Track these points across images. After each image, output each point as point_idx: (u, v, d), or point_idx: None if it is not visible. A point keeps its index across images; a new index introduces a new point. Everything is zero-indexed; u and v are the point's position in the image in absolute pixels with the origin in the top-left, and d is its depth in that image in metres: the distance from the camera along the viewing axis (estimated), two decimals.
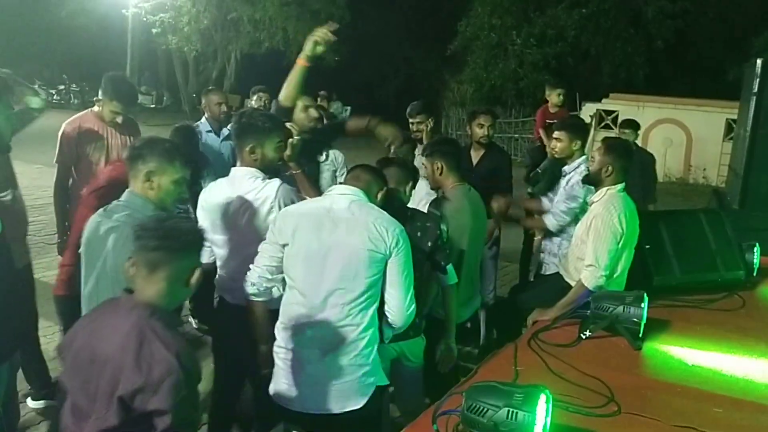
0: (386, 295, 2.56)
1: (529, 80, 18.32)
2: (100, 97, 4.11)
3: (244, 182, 2.88)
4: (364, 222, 2.49)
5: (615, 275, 3.47)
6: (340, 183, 2.76)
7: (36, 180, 7.81)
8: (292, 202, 2.82)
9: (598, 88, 16.81)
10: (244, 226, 2.88)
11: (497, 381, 1.99)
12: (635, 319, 2.82)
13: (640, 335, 2.84)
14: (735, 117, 10.15)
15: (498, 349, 2.88)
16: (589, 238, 3.45)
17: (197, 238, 2.05)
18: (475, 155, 4.81)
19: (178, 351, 1.87)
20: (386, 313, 2.59)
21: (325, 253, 2.46)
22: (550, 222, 4.13)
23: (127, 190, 2.54)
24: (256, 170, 2.94)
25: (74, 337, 2.02)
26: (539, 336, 2.88)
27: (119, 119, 4.02)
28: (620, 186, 3.55)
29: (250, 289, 2.62)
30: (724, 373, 2.68)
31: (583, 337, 2.87)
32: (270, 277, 2.60)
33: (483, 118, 4.80)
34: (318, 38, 3.43)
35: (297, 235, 2.50)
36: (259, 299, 2.64)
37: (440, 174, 3.46)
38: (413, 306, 2.61)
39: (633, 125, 6.03)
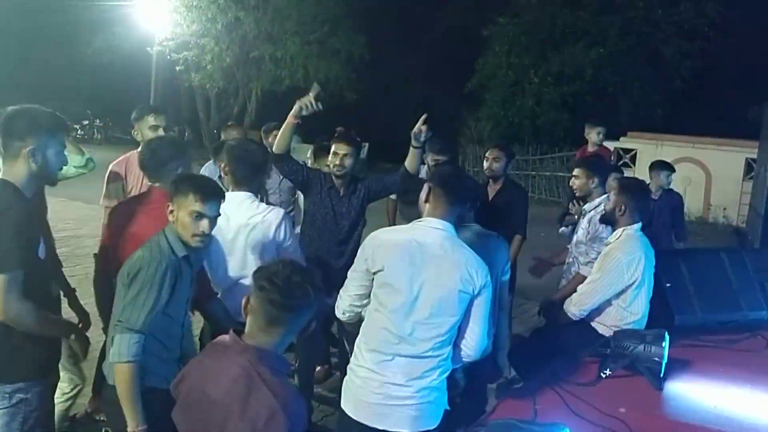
0: (467, 331, 2.60)
1: (547, 118, 18.38)
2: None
3: (245, 205, 3.08)
4: (458, 263, 2.54)
5: (635, 317, 3.43)
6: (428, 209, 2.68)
7: (59, 213, 7.94)
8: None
9: (616, 127, 16.80)
10: (245, 248, 3.00)
11: (516, 419, 1.98)
12: (656, 359, 2.79)
13: (662, 375, 2.80)
14: (755, 156, 10.12)
15: (517, 386, 2.86)
16: (593, 273, 3.48)
17: (318, 294, 1.98)
18: (492, 190, 4.87)
19: (285, 399, 1.85)
20: (462, 347, 2.63)
21: (418, 289, 2.52)
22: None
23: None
24: (252, 194, 3.20)
25: (188, 375, 2.02)
26: (559, 374, 2.85)
27: (162, 132, 3.90)
28: (636, 226, 3.52)
29: (341, 316, 2.76)
30: (748, 414, 2.63)
31: (603, 375, 2.85)
32: (359, 303, 2.71)
33: (490, 151, 4.92)
34: (303, 104, 3.99)
35: (389, 266, 2.55)
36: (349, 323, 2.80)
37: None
38: (488, 341, 2.68)
39: (669, 167, 5.97)
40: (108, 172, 4.01)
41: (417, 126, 4.02)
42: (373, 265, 2.58)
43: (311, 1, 21.30)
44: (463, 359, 2.66)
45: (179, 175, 2.84)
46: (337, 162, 4.07)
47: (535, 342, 3.95)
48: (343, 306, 2.73)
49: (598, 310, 3.48)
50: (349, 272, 2.72)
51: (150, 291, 2.40)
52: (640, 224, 3.54)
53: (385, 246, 2.59)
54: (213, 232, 2.70)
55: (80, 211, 9.99)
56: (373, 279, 2.61)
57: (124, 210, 3.12)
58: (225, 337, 2.00)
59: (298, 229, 4.32)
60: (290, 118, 4.00)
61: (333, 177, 4.15)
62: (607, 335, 3.26)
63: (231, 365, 1.90)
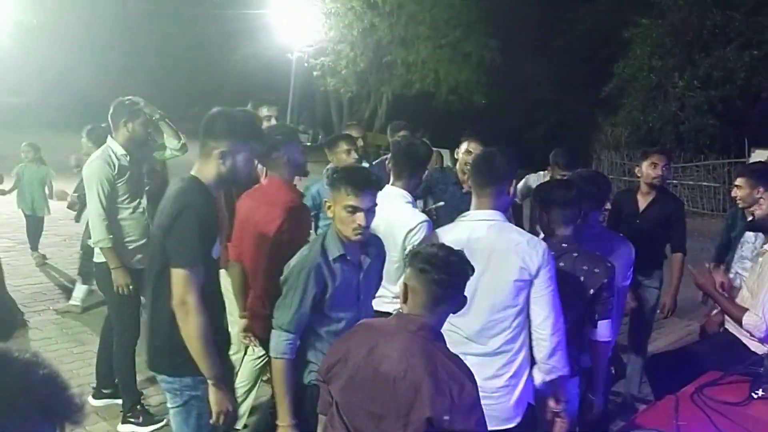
0: (532, 315, 2.49)
1: (692, 124, 17.31)
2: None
3: (400, 203, 3.06)
4: (506, 251, 2.44)
5: None
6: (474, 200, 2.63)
7: None
8: None
9: None
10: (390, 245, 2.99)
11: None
12: None
13: None
14: None
15: (656, 401, 2.72)
16: (759, 288, 3.20)
17: (472, 272, 2.07)
18: (643, 200, 4.31)
19: (468, 372, 1.97)
20: (534, 341, 2.50)
21: (472, 291, 2.39)
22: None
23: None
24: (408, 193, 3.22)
25: (346, 356, 2.07)
26: (704, 391, 2.69)
27: (274, 122, 4.24)
28: None
29: None
30: None
31: (755, 396, 2.65)
32: None
33: (657, 157, 4.28)
34: None
35: None
36: None
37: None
38: (561, 335, 2.48)
39: None
40: None
41: None
42: None
43: (444, 6, 21.49)
44: (541, 354, 2.50)
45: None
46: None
47: (679, 356, 3.73)
48: None
49: None
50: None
51: (294, 294, 2.51)
52: None
53: None
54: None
55: None
56: None
57: (246, 201, 3.28)
58: (385, 320, 2.10)
59: None
60: None
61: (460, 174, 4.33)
62: (761, 353, 3.03)
63: (406, 344, 1.96)
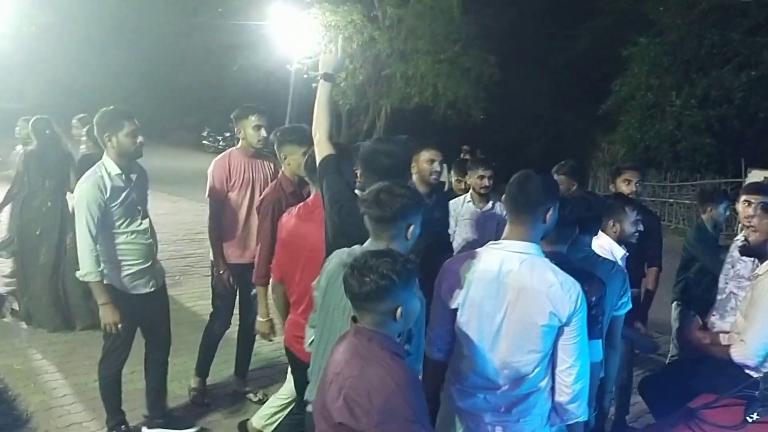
0: (557, 360, 2.34)
1: (689, 143, 17.33)
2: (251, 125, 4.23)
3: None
4: (537, 292, 2.27)
5: None
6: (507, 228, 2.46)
7: (200, 216, 8.46)
8: None
9: (766, 155, 15.56)
10: None
11: None
12: None
13: None
14: None
15: (652, 424, 2.66)
16: (749, 313, 3.15)
17: (397, 279, 2.02)
18: None
19: (400, 376, 1.96)
20: (557, 385, 2.36)
21: (498, 325, 2.32)
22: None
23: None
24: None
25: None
26: (699, 414, 2.63)
27: (263, 132, 4.17)
28: None
29: (435, 355, 2.53)
30: None
31: (750, 420, 2.59)
32: (450, 338, 2.49)
33: (629, 173, 4.43)
34: None
35: (468, 302, 2.36)
36: (443, 360, 2.55)
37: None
38: (585, 383, 2.37)
39: None
40: (211, 168, 4.25)
41: None
42: (452, 301, 2.40)
43: (444, 21, 21.59)
44: (562, 399, 2.35)
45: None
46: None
47: (673, 377, 3.66)
48: (437, 343, 2.51)
49: None
50: (431, 307, 2.48)
51: None
52: None
53: (465, 280, 2.37)
54: None
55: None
56: (454, 316, 2.41)
57: (291, 219, 3.21)
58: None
59: None
60: None
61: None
62: (755, 375, 2.97)
63: (347, 347, 2.03)
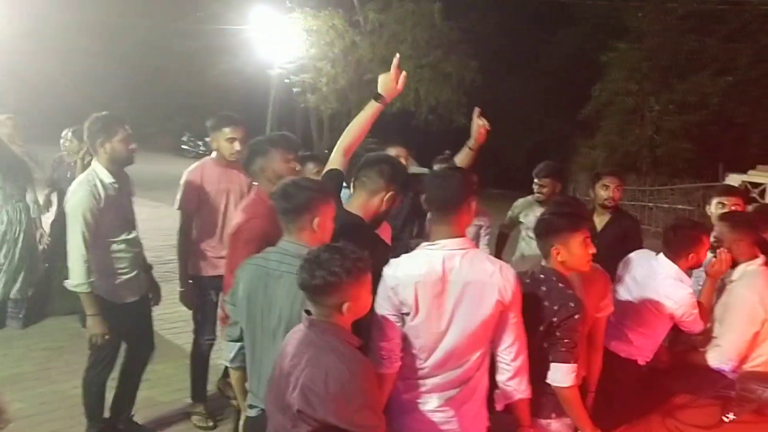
0: (497, 341, 2.42)
1: (667, 148, 17.56)
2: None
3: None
4: (482, 282, 2.34)
5: (761, 359, 3.16)
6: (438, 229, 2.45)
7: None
8: None
9: (743, 159, 15.81)
10: None
11: None
12: None
13: None
14: None
15: (628, 425, 2.68)
16: (725, 319, 3.21)
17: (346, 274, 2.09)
18: (600, 221, 4.41)
19: (354, 363, 2.02)
20: (497, 365, 2.44)
21: (447, 322, 2.36)
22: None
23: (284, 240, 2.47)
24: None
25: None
26: (676, 414, 2.66)
27: (237, 146, 3.88)
28: (758, 260, 3.27)
29: (391, 368, 2.41)
30: None
31: (726, 419, 2.63)
32: (398, 350, 2.44)
33: (608, 179, 4.43)
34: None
35: (416, 304, 2.35)
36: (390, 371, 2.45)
37: None
38: (524, 360, 2.44)
39: None
40: (183, 179, 4.09)
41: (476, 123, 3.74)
42: (403, 306, 2.37)
43: (425, 26, 21.66)
44: (503, 377, 2.43)
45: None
46: None
47: (650, 379, 3.71)
48: (386, 355, 2.41)
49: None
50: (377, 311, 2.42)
51: None
52: (761, 258, 3.29)
53: (411, 284, 2.35)
54: None
55: None
56: (404, 322, 2.39)
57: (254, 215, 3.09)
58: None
59: None
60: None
61: None
62: (731, 376, 3.02)
63: (301, 340, 2.09)
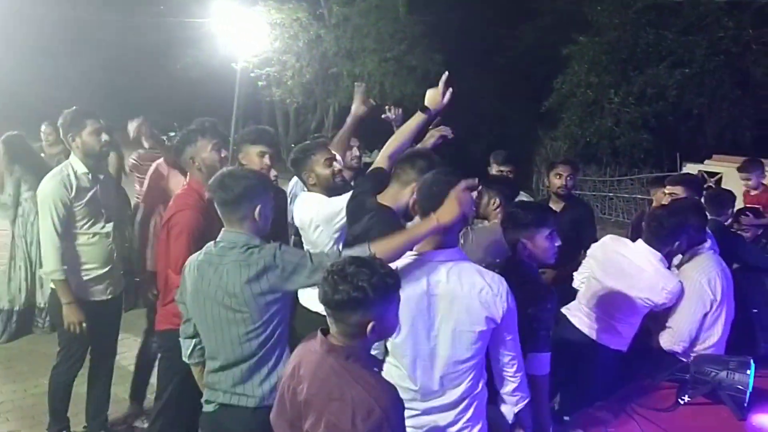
0: (498, 356, 2.36)
1: (627, 139, 17.89)
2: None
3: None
4: (470, 297, 2.22)
5: (711, 340, 3.31)
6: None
7: None
8: None
9: (700, 149, 16.22)
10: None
11: None
12: (740, 387, 2.67)
13: (745, 404, 2.68)
14: None
15: (588, 408, 2.79)
16: (677, 303, 3.34)
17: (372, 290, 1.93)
18: (555, 208, 4.47)
19: (380, 394, 1.87)
20: (500, 378, 2.40)
21: (434, 339, 2.27)
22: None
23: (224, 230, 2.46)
24: None
25: (283, 376, 2.09)
26: (633, 397, 2.77)
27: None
28: (705, 245, 3.41)
29: None
30: None
31: (682, 402, 2.76)
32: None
33: (561, 168, 4.66)
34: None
35: (400, 321, 2.19)
36: None
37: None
38: (523, 368, 2.42)
39: None
40: (151, 170, 4.28)
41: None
42: None
43: (390, 20, 21.64)
44: (507, 388, 2.41)
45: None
46: None
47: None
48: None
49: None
50: None
51: None
52: (708, 243, 3.43)
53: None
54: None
55: None
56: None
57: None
58: (315, 335, 2.03)
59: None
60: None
61: None
62: (686, 359, 3.15)
63: (320, 366, 1.91)
